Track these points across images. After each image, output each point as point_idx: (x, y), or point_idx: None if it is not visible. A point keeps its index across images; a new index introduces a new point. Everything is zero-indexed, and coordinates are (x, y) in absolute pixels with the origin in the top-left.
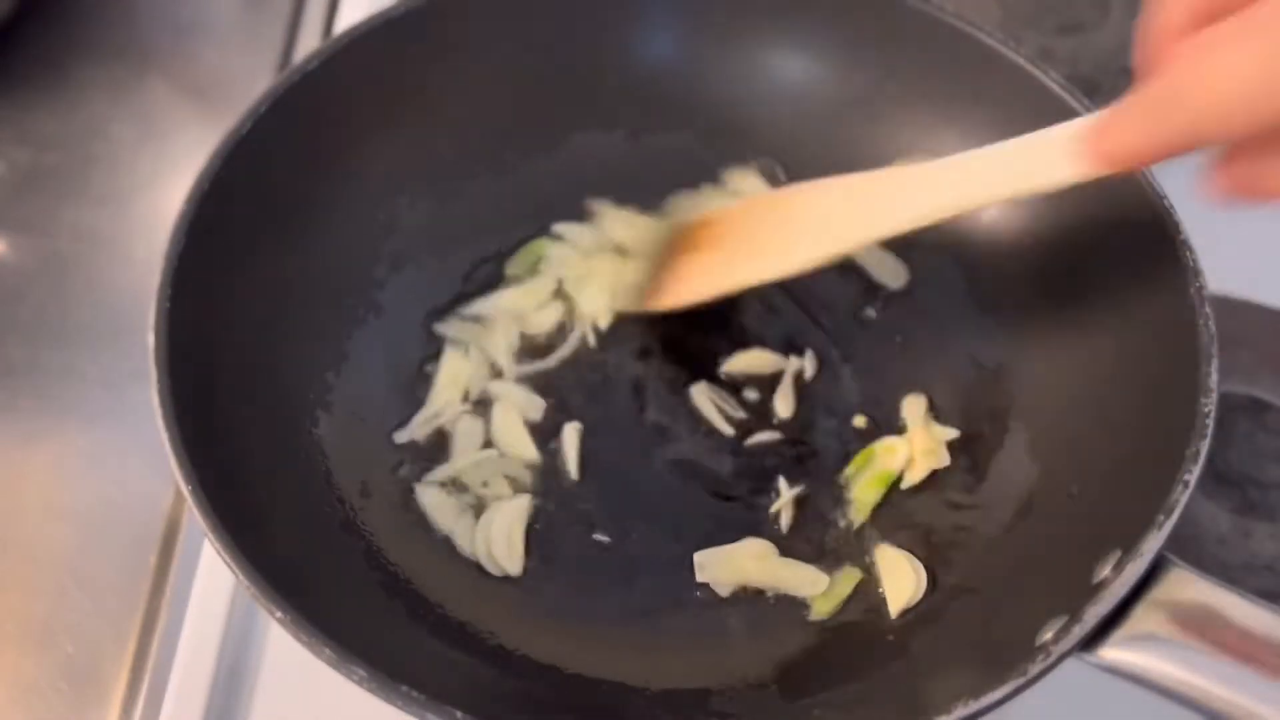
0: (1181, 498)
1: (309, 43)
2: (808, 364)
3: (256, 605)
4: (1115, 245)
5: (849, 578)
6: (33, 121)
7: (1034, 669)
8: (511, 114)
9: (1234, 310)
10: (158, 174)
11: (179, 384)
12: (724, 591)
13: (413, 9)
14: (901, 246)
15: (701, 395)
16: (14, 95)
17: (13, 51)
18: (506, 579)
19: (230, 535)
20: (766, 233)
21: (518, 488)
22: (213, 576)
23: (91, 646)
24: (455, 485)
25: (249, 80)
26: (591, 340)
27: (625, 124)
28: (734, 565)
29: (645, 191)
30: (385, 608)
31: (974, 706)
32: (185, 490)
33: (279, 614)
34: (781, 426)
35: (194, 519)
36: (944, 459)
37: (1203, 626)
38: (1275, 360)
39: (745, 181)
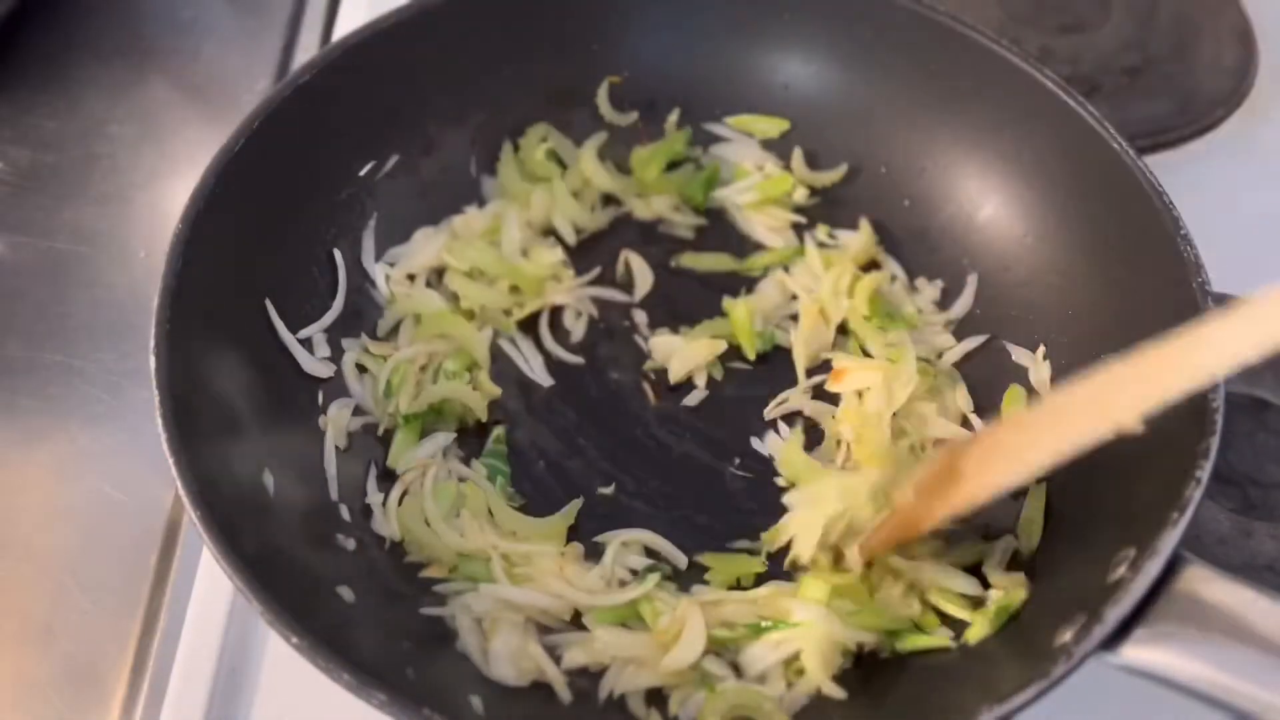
0: (1195, 494)
1: (309, 43)
2: None
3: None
4: (1118, 243)
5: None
6: (33, 121)
7: (1056, 670)
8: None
9: None
10: (157, 174)
11: (181, 406)
12: None
13: (403, 20)
14: (928, 266)
15: None
16: (14, 95)
17: (13, 51)
18: None
19: (248, 568)
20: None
21: None
22: (213, 577)
23: (91, 646)
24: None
25: (249, 80)
26: None
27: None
28: None
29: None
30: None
31: (998, 712)
32: (201, 534)
33: (294, 640)
34: None
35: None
36: None
37: (1225, 623)
38: (1277, 360)
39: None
